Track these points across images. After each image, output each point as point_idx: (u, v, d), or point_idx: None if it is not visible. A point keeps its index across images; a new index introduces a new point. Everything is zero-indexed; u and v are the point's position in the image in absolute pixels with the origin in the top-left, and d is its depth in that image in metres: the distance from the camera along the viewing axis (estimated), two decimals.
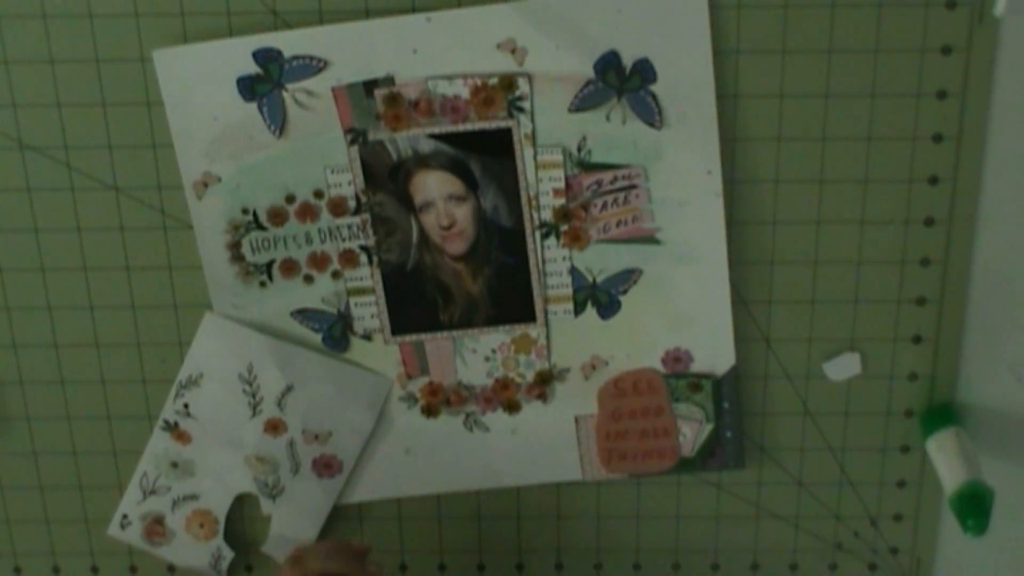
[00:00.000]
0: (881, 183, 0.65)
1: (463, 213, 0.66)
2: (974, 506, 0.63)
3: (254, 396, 0.69)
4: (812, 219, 0.66)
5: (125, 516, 0.72)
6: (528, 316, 0.68)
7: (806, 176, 0.65)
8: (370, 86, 0.63)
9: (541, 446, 0.71)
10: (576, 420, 0.70)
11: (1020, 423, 0.70)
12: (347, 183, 0.65)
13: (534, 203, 0.65)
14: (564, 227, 0.66)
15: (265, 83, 0.63)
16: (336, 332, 0.68)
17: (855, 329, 0.68)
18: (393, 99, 0.63)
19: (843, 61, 0.63)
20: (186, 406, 0.70)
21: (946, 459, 0.66)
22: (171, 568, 0.74)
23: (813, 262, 0.67)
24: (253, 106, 0.64)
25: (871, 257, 0.67)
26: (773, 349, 0.69)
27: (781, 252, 0.67)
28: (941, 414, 0.69)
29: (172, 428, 0.70)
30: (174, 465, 0.71)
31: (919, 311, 0.68)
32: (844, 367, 0.69)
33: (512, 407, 0.70)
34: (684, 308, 0.67)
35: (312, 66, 0.63)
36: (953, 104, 0.64)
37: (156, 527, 0.72)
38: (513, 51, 0.63)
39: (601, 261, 0.67)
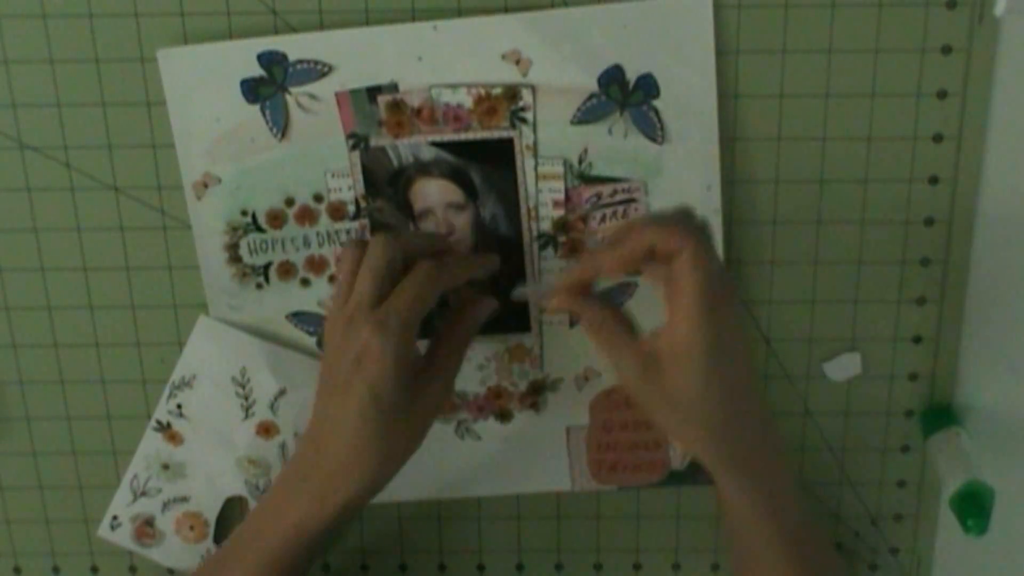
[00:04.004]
0: (881, 183, 0.65)
1: (462, 222, 0.66)
2: (974, 506, 0.63)
3: (247, 399, 0.69)
4: (812, 219, 0.66)
5: (115, 517, 0.72)
6: (523, 326, 0.68)
7: (806, 176, 0.65)
8: (374, 92, 0.63)
9: (531, 455, 0.71)
10: (567, 431, 0.70)
11: (1020, 423, 0.70)
12: (347, 188, 0.65)
13: (533, 214, 0.65)
14: (562, 238, 0.66)
15: (269, 86, 0.63)
16: None
17: (855, 329, 0.68)
18: (396, 106, 0.63)
19: (843, 61, 0.63)
20: (179, 407, 0.70)
21: (946, 459, 0.66)
22: (171, 570, 0.74)
23: (813, 262, 0.67)
24: (256, 108, 0.64)
25: (871, 257, 0.67)
26: (773, 349, 0.69)
27: (781, 252, 0.67)
28: (941, 414, 0.69)
29: (165, 429, 0.70)
30: (165, 467, 0.71)
31: (919, 311, 0.68)
32: (844, 367, 0.69)
33: (504, 416, 0.70)
34: None
35: (316, 70, 0.63)
36: (953, 104, 0.64)
37: (146, 528, 0.72)
38: (518, 62, 0.63)
39: None
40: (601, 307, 0.59)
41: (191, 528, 0.72)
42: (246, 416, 0.69)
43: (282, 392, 0.69)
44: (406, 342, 0.57)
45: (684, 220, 0.56)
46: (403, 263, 0.59)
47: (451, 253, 0.63)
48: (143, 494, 0.72)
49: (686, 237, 0.55)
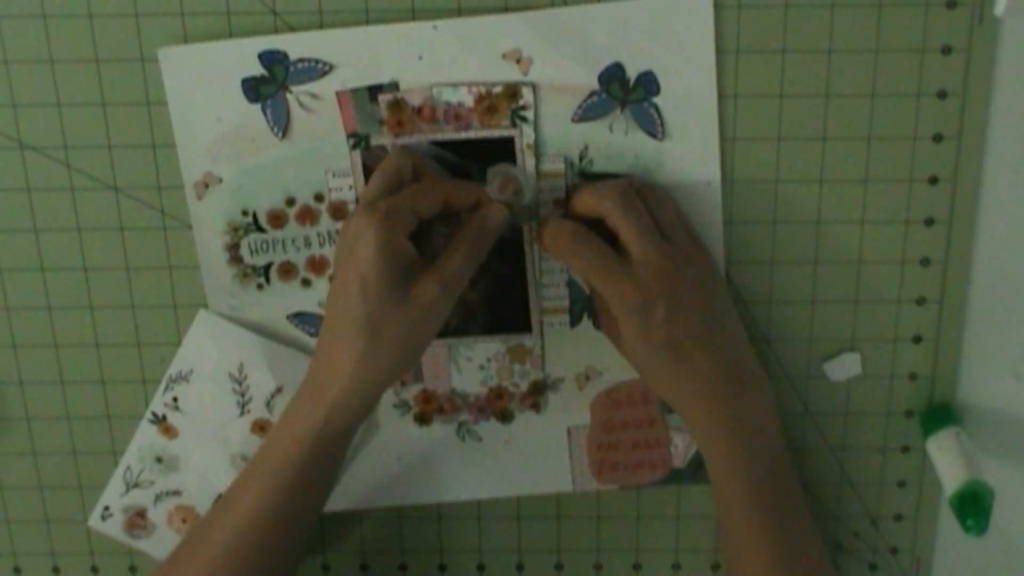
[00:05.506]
0: (881, 183, 0.65)
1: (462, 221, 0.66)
2: (974, 506, 0.63)
3: (243, 395, 0.69)
4: (812, 219, 0.66)
5: (107, 508, 0.72)
6: (524, 326, 0.68)
7: (806, 176, 0.65)
8: (375, 91, 0.63)
9: (533, 456, 0.71)
10: (568, 431, 0.70)
11: (1020, 423, 0.70)
12: (348, 187, 0.65)
13: (534, 212, 0.65)
14: None
15: (270, 85, 0.63)
16: None
17: (855, 329, 0.68)
18: (397, 105, 0.63)
19: (843, 61, 0.63)
20: (175, 399, 0.70)
21: (946, 459, 0.66)
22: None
23: (813, 262, 0.67)
24: (257, 108, 0.64)
25: (871, 257, 0.67)
26: (773, 349, 0.69)
27: (781, 252, 0.67)
28: (941, 414, 0.69)
29: (160, 421, 0.70)
30: (159, 460, 0.71)
31: (919, 311, 0.68)
32: (844, 367, 0.69)
33: (505, 416, 0.70)
34: None
35: (317, 69, 0.63)
36: (953, 104, 0.64)
37: (138, 520, 0.72)
38: (518, 60, 0.63)
39: None
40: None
41: (183, 521, 0.72)
42: (242, 413, 0.69)
43: (279, 390, 0.69)
44: (391, 228, 0.57)
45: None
46: (414, 180, 0.61)
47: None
48: (136, 486, 0.72)
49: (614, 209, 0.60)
